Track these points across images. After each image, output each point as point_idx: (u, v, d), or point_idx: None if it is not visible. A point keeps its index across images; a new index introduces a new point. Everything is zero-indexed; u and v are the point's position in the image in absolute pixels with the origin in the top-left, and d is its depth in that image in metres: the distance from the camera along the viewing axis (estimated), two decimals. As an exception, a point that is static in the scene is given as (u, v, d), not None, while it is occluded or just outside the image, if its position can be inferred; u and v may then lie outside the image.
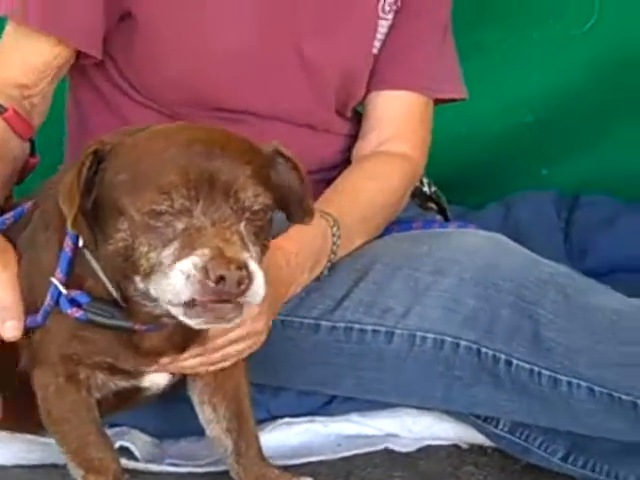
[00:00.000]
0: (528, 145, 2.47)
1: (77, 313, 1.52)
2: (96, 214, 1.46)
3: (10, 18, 1.84)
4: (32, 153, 1.85)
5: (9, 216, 1.64)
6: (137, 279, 1.43)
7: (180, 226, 1.38)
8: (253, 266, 1.38)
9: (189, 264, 1.35)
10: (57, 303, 1.54)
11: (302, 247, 1.75)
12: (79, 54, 1.87)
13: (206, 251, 1.35)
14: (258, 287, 1.38)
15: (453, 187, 2.24)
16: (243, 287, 1.36)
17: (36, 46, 1.82)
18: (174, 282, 1.36)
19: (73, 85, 2.02)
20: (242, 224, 1.41)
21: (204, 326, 1.43)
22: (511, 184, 2.41)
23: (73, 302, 1.53)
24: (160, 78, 1.89)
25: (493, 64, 2.43)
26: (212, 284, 1.34)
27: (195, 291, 1.35)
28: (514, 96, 2.44)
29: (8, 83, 1.82)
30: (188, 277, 1.35)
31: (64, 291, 1.53)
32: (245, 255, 1.38)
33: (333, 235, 1.80)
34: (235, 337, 1.61)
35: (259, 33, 1.89)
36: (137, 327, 1.53)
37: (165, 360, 1.59)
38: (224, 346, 1.61)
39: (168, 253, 1.38)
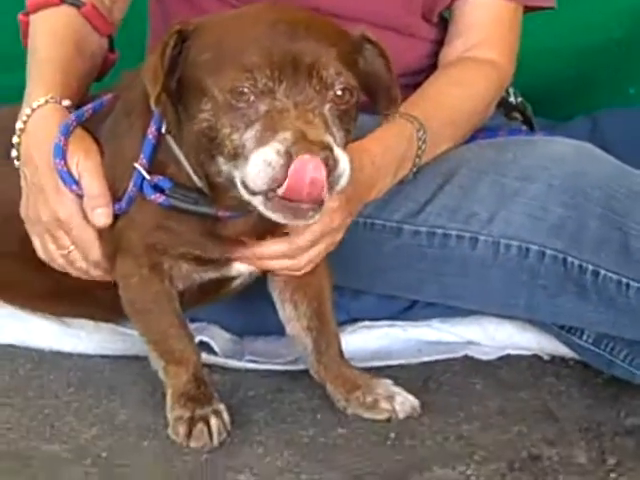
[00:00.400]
0: (616, 62, 2.39)
1: (160, 199, 1.51)
2: (180, 94, 1.45)
3: None
4: (111, 49, 1.84)
5: (88, 107, 1.62)
6: (221, 161, 1.41)
7: (263, 107, 1.37)
8: (337, 150, 1.35)
9: (271, 151, 1.33)
10: (140, 189, 1.53)
11: (387, 149, 1.72)
12: None
13: (288, 135, 1.33)
14: (343, 170, 1.36)
15: (538, 100, 2.17)
16: (330, 167, 1.33)
17: None
18: (255, 169, 1.34)
19: (154, -19, 2.00)
20: (326, 107, 1.39)
21: (282, 221, 1.40)
22: (597, 101, 2.33)
23: (156, 188, 1.52)
24: None
25: (582, -25, 2.35)
26: None
27: (277, 175, 1.32)
28: (603, 10, 2.36)
29: None
30: (270, 164, 1.32)
31: (147, 176, 1.52)
32: (329, 138, 1.35)
33: (419, 139, 1.76)
34: (315, 236, 1.58)
35: None
36: (220, 213, 1.51)
37: (250, 246, 1.56)
38: (307, 247, 1.58)
39: (250, 135, 1.36)
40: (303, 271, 1.63)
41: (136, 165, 1.52)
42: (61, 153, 1.55)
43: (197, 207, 1.52)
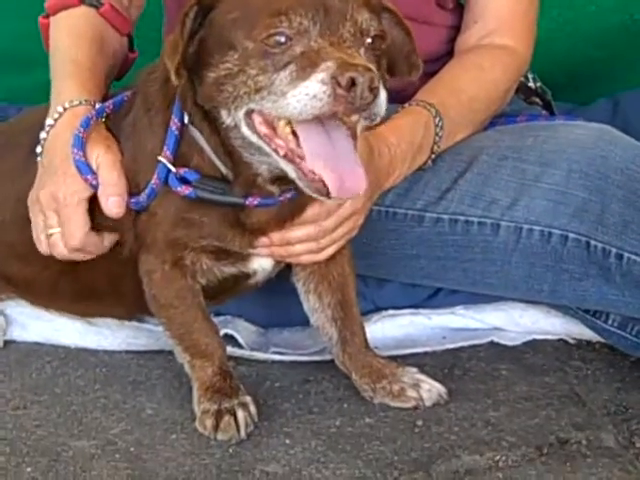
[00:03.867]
0: (636, 42, 2.37)
1: (187, 191, 1.50)
2: (199, 62, 1.43)
3: None
4: (131, 49, 1.84)
5: (109, 103, 1.62)
6: (231, 110, 1.40)
7: (298, 49, 1.35)
8: (378, 80, 1.32)
9: (314, 83, 1.31)
10: (165, 183, 1.52)
11: (403, 137, 1.72)
12: None
13: (330, 63, 1.31)
14: (382, 101, 1.34)
15: (559, 84, 2.16)
16: (375, 92, 1.31)
17: None
18: (298, 104, 1.32)
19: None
20: (362, 50, 1.38)
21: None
22: (619, 83, 2.32)
23: (182, 180, 1.51)
24: None
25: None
26: (343, 91, 1.29)
27: (325, 105, 1.31)
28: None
29: None
30: (315, 96, 1.31)
31: (173, 169, 1.51)
32: (372, 66, 1.33)
33: (436, 126, 1.76)
34: (340, 218, 1.59)
35: None
36: (248, 202, 1.51)
37: (275, 238, 1.57)
38: (332, 229, 1.59)
39: (284, 75, 1.35)
40: (325, 255, 1.62)
41: (160, 158, 1.51)
42: (80, 143, 1.55)
43: (225, 197, 1.51)
